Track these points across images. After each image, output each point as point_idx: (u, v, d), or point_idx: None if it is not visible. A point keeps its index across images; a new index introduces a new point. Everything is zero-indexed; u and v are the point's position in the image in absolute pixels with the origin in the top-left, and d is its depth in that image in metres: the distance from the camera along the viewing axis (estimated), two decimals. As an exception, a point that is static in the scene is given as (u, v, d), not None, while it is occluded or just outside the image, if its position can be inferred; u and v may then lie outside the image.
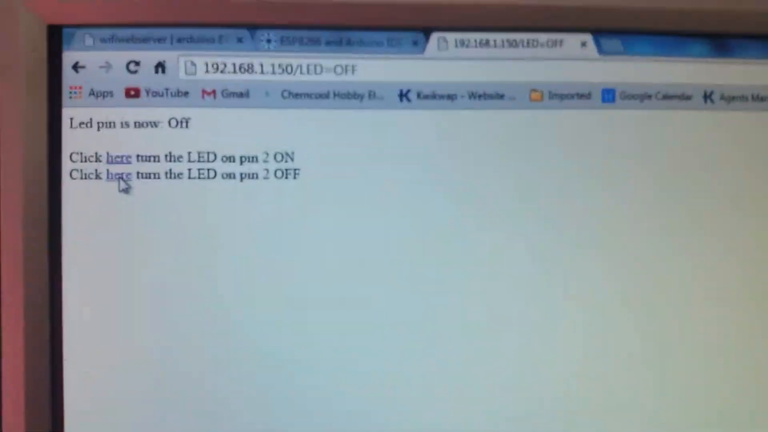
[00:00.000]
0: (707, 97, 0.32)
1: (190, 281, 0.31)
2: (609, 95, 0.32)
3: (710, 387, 0.33)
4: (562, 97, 0.32)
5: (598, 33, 0.32)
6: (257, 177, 0.31)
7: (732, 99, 0.32)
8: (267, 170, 0.31)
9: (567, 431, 0.32)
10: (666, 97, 0.32)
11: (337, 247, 0.31)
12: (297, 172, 0.31)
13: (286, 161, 0.31)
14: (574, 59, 0.32)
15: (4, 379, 0.30)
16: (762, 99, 0.33)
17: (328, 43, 0.31)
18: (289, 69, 0.31)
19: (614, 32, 0.32)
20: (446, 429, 0.32)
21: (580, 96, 0.32)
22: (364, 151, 0.31)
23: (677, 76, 0.32)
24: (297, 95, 0.31)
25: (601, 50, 0.32)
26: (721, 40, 0.32)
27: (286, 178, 0.31)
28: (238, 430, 0.31)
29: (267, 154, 0.31)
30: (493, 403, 0.32)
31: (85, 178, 0.31)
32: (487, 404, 0.32)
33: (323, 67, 0.31)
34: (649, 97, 0.32)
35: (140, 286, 0.31)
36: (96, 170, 0.31)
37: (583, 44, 0.32)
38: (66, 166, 0.31)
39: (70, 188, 0.31)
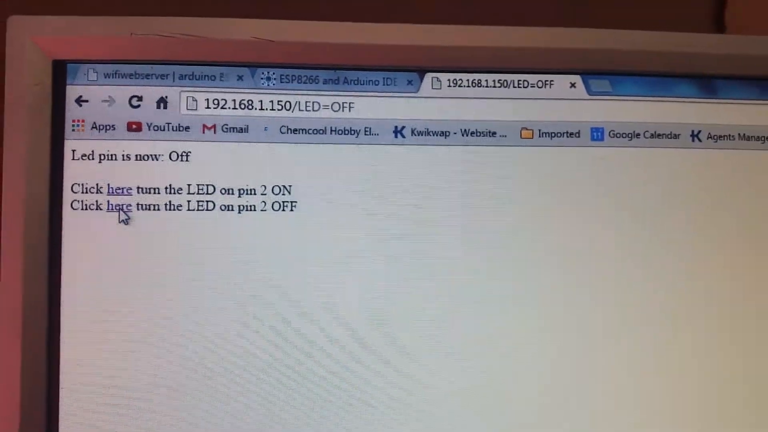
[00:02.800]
0: (695, 135, 0.33)
1: (188, 311, 0.31)
2: (598, 134, 0.33)
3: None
4: (552, 135, 0.33)
5: (586, 74, 0.33)
6: (255, 209, 0.32)
7: (719, 138, 0.33)
8: (265, 203, 0.32)
9: None
10: (654, 135, 0.33)
11: (333, 278, 0.32)
12: (294, 204, 0.32)
13: (283, 194, 0.32)
14: (564, 99, 0.33)
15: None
16: (748, 138, 0.33)
17: (326, 81, 0.32)
18: (287, 106, 0.32)
19: (603, 73, 0.33)
20: None
21: (570, 134, 0.33)
22: (358, 185, 0.32)
23: (665, 115, 0.33)
24: (295, 131, 0.32)
25: (590, 90, 0.33)
26: (707, 81, 0.33)
27: (284, 210, 0.32)
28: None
29: (265, 187, 0.32)
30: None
31: (86, 209, 0.31)
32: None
33: (321, 104, 0.32)
34: (638, 135, 0.33)
35: (138, 315, 0.31)
36: (97, 201, 0.31)
37: (573, 85, 0.33)
38: (67, 196, 0.31)
39: (70, 219, 0.31)
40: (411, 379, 0.32)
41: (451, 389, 0.32)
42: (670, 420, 0.33)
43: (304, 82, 0.32)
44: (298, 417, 0.32)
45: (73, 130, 0.32)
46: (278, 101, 0.32)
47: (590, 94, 0.33)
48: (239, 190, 0.32)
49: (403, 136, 0.32)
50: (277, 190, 0.32)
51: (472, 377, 0.32)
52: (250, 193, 0.32)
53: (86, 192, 0.31)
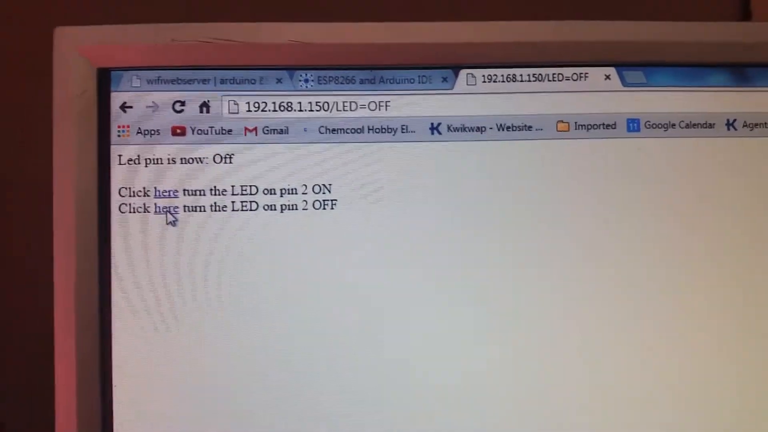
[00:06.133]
0: (730, 124, 0.33)
1: (234, 309, 0.32)
2: (634, 125, 0.33)
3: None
4: (588, 127, 0.33)
5: (621, 66, 0.33)
6: (296, 208, 0.32)
7: (755, 126, 0.33)
8: (306, 201, 0.32)
9: None
10: (689, 125, 0.33)
11: (372, 274, 0.32)
12: (334, 202, 0.33)
13: (323, 193, 0.33)
14: (599, 91, 0.33)
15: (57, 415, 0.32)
16: (785, 125, 0.34)
17: (362, 81, 0.33)
18: (325, 106, 0.33)
19: (637, 65, 0.33)
20: None
21: (606, 126, 0.33)
22: (397, 182, 0.33)
23: (700, 105, 0.33)
24: (333, 131, 0.33)
25: (624, 82, 0.33)
26: (741, 70, 0.33)
27: (324, 208, 0.32)
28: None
29: (306, 186, 0.32)
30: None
31: (134, 212, 0.32)
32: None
33: (358, 104, 0.33)
34: (673, 125, 0.33)
35: (187, 315, 0.32)
36: (144, 204, 0.32)
37: (607, 77, 0.33)
38: (115, 200, 0.32)
39: (119, 221, 0.32)
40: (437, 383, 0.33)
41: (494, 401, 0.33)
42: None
43: (341, 83, 0.33)
44: (342, 411, 0.32)
45: (119, 135, 0.33)
46: (316, 102, 0.33)
47: (625, 86, 0.33)
48: (281, 189, 0.32)
49: (440, 133, 0.33)
50: (317, 188, 0.33)
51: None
52: (292, 193, 0.32)
53: (133, 195, 0.32)
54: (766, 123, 0.33)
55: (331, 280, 0.32)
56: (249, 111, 0.33)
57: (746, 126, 0.33)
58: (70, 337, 0.31)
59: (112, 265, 0.32)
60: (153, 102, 0.33)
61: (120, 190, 0.32)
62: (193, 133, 0.32)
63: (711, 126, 0.33)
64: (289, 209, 0.32)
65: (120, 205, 0.32)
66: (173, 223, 0.32)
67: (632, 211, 0.33)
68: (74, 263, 0.32)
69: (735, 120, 0.33)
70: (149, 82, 0.33)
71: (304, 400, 0.32)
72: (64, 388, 0.31)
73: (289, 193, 0.32)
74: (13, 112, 0.45)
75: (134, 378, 0.32)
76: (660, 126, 0.33)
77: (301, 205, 0.32)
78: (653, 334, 0.33)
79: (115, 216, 0.32)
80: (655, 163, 0.33)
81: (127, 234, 0.32)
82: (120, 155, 0.33)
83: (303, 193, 0.32)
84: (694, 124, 0.33)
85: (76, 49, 0.32)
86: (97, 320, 0.32)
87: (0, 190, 0.46)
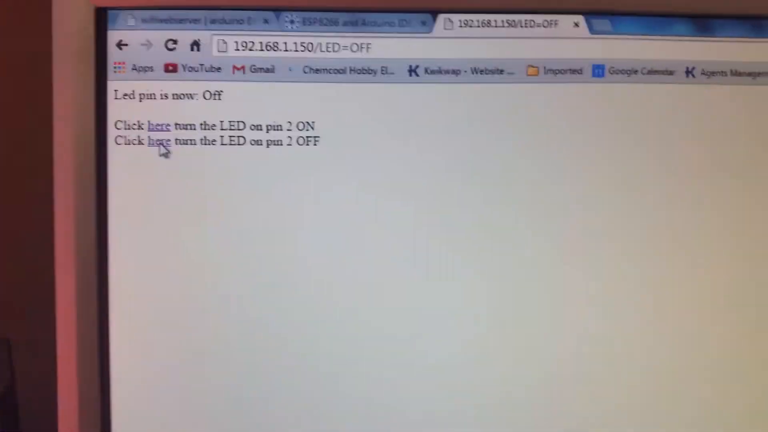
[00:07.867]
0: (689, 72, 0.35)
1: (222, 238, 0.35)
2: (599, 70, 0.35)
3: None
4: (556, 72, 0.35)
5: (589, 14, 0.35)
6: (281, 143, 0.35)
7: (712, 74, 0.35)
8: (290, 137, 0.35)
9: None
10: (651, 72, 0.35)
11: (352, 207, 0.35)
12: (317, 139, 0.35)
13: (307, 130, 0.35)
14: (568, 38, 0.35)
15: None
16: (739, 74, 0.35)
17: (345, 23, 0.35)
18: (310, 47, 0.35)
19: (604, 13, 0.35)
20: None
21: (573, 71, 0.35)
22: (376, 121, 0.35)
23: (662, 53, 0.35)
24: (317, 70, 0.35)
25: (592, 29, 0.35)
26: (703, 20, 0.35)
27: (307, 144, 0.35)
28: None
29: (290, 123, 0.35)
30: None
31: (129, 144, 0.34)
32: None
33: (341, 45, 0.35)
34: (636, 72, 0.35)
35: (179, 243, 0.35)
36: (138, 137, 0.34)
37: (576, 24, 0.35)
38: (111, 132, 0.34)
39: (115, 152, 0.34)
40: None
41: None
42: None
43: (325, 24, 0.35)
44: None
45: (115, 71, 0.34)
46: (301, 43, 0.35)
47: (592, 33, 0.35)
48: (267, 126, 0.35)
49: (417, 75, 0.35)
50: (301, 126, 0.35)
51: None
52: (277, 129, 0.35)
53: (129, 128, 0.34)
54: (722, 71, 0.35)
55: (313, 215, 0.35)
56: (237, 50, 0.34)
57: (704, 74, 0.35)
58: (70, 256, 0.34)
59: (109, 193, 0.34)
60: (147, 40, 0.34)
61: (116, 123, 0.34)
62: (184, 70, 0.34)
63: (671, 73, 0.35)
64: (274, 144, 0.35)
65: (116, 137, 0.35)
66: (166, 155, 0.34)
67: (595, 153, 0.35)
68: (73, 191, 0.34)
69: (694, 68, 0.35)
70: (144, 21, 0.34)
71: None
72: (65, 303, 0.34)
73: (274, 129, 0.35)
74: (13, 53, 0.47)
75: (131, 305, 0.35)
76: (623, 72, 0.35)
77: (285, 141, 0.35)
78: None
79: (111, 147, 0.34)
80: (618, 108, 0.35)
81: (122, 164, 0.34)
82: (116, 90, 0.34)
83: (288, 130, 0.35)
84: (656, 71, 0.35)
85: (74, -12, 0.34)
86: (95, 243, 0.34)
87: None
